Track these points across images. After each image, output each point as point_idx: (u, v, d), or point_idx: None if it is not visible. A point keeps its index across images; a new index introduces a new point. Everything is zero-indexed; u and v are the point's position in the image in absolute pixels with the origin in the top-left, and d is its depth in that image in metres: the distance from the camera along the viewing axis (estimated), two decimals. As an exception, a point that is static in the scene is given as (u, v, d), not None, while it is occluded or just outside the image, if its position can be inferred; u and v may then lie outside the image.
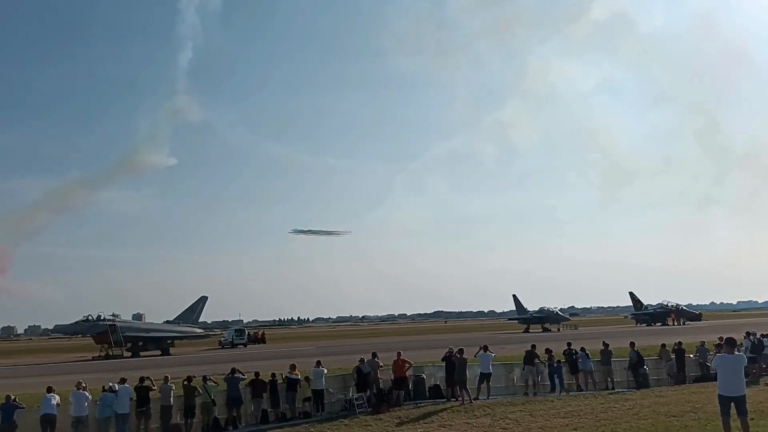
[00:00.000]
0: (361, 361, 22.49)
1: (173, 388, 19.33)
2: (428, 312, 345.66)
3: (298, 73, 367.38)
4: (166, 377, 19.77)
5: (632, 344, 25.71)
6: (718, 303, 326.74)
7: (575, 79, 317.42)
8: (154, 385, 19.19)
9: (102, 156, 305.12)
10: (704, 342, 27.39)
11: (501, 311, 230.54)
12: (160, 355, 67.22)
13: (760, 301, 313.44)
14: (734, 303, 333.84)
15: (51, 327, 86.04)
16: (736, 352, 12.81)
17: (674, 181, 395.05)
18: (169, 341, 73.31)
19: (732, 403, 11.84)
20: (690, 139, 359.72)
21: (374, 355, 23.24)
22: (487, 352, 22.74)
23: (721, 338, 22.47)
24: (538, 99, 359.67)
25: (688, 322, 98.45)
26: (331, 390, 21.99)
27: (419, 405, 21.38)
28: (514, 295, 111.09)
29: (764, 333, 27.49)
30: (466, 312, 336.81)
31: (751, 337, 26.62)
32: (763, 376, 24.64)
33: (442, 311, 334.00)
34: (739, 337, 24.00)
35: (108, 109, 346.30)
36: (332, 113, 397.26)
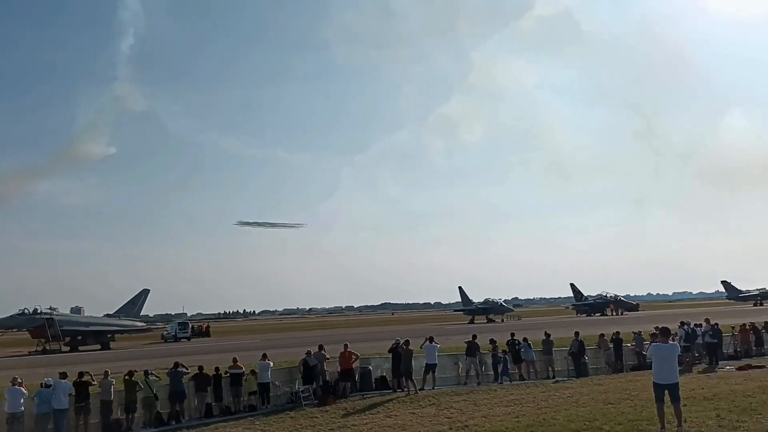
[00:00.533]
0: (308, 353, 22.46)
1: (114, 382, 18.92)
2: (375, 304, 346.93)
3: (244, 63, 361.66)
4: (107, 372, 19.32)
5: (576, 334, 26.44)
6: (654, 294, 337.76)
7: (519, 76, 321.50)
8: (93, 380, 18.74)
9: (40, 145, 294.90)
10: (641, 332, 28.31)
11: (447, 303, 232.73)
12: (100, 349, 65.61)
13: (694, 292, 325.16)
14: (670, 294, 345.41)
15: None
16: (670, 342, 13.32)
17: (613, 177, 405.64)
18: (109, 335, 71.63)
19: (666, 390, 12.30)
20: (629, 138, 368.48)
21: (321, 347, 23.23)
22: (433, 343, 23.01)
23: (656, 328, 23.28)
24: (483, 94, 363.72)
25: (626, 313, 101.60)
26: (277, 383, 21.88)
27: (365, 396, 21.50)
28: (459, 287, 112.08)
29: (697, 323, 28.62)
30: (413, 304, 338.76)
31: (685, 326, 27.69)
32: (695, 365, 25.70)
33: (389, 303, 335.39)
34: (673, 326, 25.02)
35: (45, 96, 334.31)
36: (280, 105, 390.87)
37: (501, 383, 23.20)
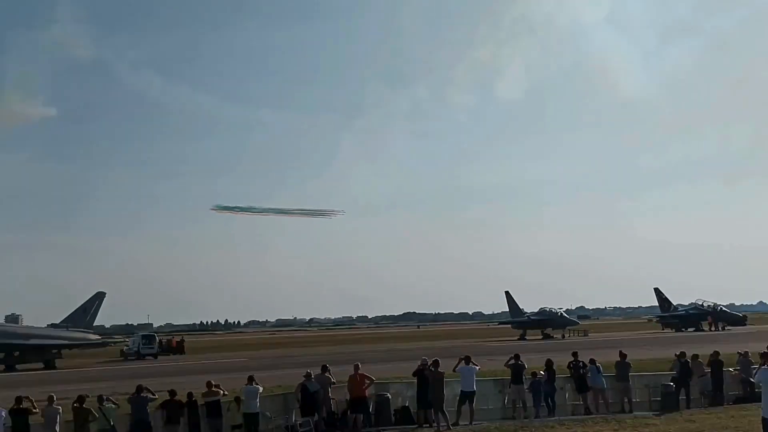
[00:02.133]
0: (308, 376, 22.55)
1: (60, 411, 19.18)
2: (396, 314, 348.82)
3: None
4: (51, 397, 19.60)
5: (681, 355, 26.47)
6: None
7: (578, 8, 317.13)
8: (35, 408, 19.02)
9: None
10: (747, 352, 28.07)
11: (490, 313, 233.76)
12: (44, 368, 66.52)
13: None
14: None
15: None
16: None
17: (699, 142, 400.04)
18: (54, 351, 72.47)
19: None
20: (720, 88, 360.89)
21: (324, 368, 23.34)
22: (470, 364, 23.03)
23: (768, 347, 22.97)
24: (529, 34, 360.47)
25: (729, 327, 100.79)
26: (268, 414, 22.07)
27: (382, 432, 21.70)
28: (507, 293, 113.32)
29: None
30: (445, 314, 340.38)
31: (808, 346, 27.43)
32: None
33: (414, 313, 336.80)
34: (791, 345, 24.76)
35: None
36: (263, 54, 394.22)
37: (540, 416, 23.13)
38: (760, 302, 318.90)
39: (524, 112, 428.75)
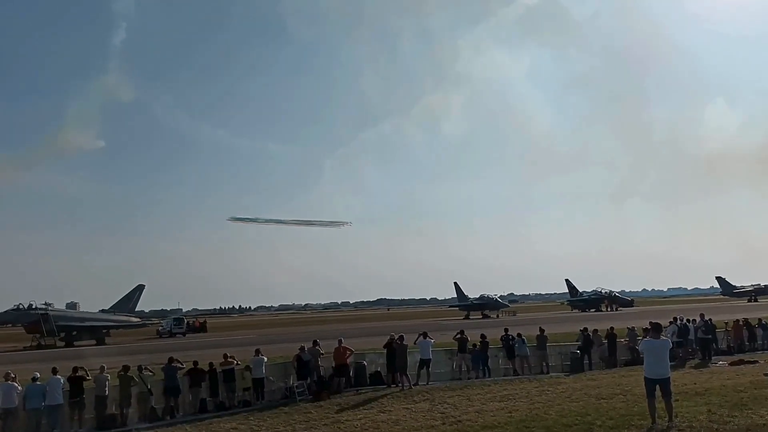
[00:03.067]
0: (302, 349, 22.50)
1: (108, 377, 18.93)
2: (371, 300, 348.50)
3: (233, 56, 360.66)
4: (102, 367, 19.35)
5: (585, 330, 26.73)
6: (650, 290, 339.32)
7: (504, 66, 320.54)
8: (88, 375, 18.75)
9: (27, 135, 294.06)
10: (634, 327, 28.46)
11: (443, 298, 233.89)
12: (95, 344, 65.50)
13: (689, 288, 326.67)
14: (665, 290, 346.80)
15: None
16: (662, 337, 13.40)
17: (596, 169, 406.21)
18: (104, 331, 71.54)
19: (657, 386, 12.39)
20: (613, 129, 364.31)
21: (315, 342, 23.27)
22: (427, 338, 23.08)
23: (650, 323, 23.26)
24: (467, 85, 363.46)
25: (621, 308, 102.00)
26: (271, 378, 21.92)
27: (360, 391, 21.56)
28: (455, 283, 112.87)
29: (691, 318, 28.78)
30: (408, 299, 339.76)
31: (678, 322, 27.85)
32: (689, 360, 25.83)
33: (385, 299, 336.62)
34: (666, 322, 25.13)
35: (34, 85, 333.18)
36: (269, 97, 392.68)
37: (486, 379, 23.23)
38: (644, 289, 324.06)
39: (463, 145, 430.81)
